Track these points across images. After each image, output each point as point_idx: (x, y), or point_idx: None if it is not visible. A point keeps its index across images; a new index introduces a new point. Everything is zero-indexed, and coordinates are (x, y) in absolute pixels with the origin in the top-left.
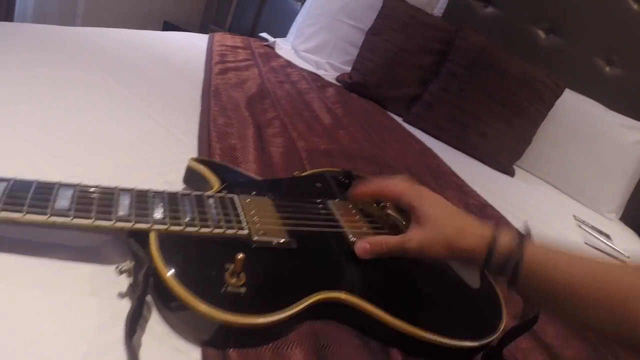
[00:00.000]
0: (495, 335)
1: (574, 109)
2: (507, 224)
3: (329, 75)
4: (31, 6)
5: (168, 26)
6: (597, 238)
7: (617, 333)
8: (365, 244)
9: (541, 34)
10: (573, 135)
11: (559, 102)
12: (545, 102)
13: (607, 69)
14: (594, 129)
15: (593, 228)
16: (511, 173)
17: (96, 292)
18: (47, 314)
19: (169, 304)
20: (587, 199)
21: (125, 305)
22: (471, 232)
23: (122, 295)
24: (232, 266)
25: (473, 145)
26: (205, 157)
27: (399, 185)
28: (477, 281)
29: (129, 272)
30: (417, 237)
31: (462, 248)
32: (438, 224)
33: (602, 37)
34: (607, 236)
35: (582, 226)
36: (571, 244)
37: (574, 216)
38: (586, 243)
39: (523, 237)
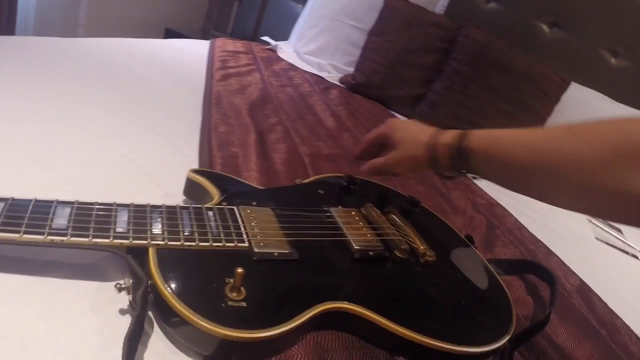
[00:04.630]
0: (505, 340)
1: (581, 103)
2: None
3: (332, 77)
4: (32, 17)
5: (170, 33)
6: (609, 232)
7: (559, 199)
8: (365, 167)
9: (545, 27)
10: None
11: (565, 97)
12: (551, 97)
13: (613, 60)
14: None
15: (604, 222)
16: None
17: (97, 310)
18: (48, 333)
19: (169, 320)
20: None
21: (127, 322)
22: (422, 138)
23: (122, 313)
24: (232, 280)
25: None
26: (205, 168)
27: (380, 129)
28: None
29: (128, 289)
30: (393, 157)
31: (420, 154)
32: (403, 145)
33: (607, 29)
34: (619, 230)
35: (593, 221)
36: None
37: None
38: (597, 238)
39: (465, 129)
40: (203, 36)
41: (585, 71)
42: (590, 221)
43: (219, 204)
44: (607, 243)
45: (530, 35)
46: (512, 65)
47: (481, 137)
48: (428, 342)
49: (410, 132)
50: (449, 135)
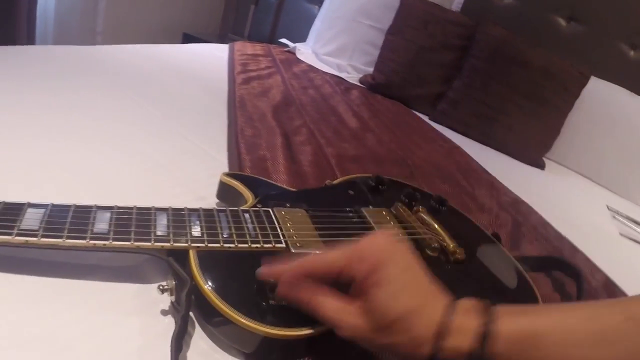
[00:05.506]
0: None
1: (601, 97)
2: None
3: (352, 78)
4: (51, 26)
5: (188, 38)
6: (632, 228)
7: None
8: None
9: (562, 22)
10: (602, 124)
11: (585, 91)
12: (571, 91)
13: (632, 53)
14: (623, 116)
15: (628, 218)
16: (541, 166)
17: (138, 311)
18: (91, 334)
19: (211, 320)
20: (620, 188)
21: (168, 323)
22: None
23: (164, 314)
24: (272, 280)
25: (501, 140)
26: (236, 172)
27: (353, 258)
28: None
29: (170, 291)
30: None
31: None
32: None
33: (624, 21)
34: None
35: (617, 216)
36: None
37: (608, 206)
38: (621, 234)
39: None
40: (220, 40)
41: (604, 64)
42: (614, 216)
43: (254, 206)
44: (631, 239)
45: (547, 29)
46: (530, 60)
47: (513, 338)
48: None
49: (412, 298)
50: (465, 337)
